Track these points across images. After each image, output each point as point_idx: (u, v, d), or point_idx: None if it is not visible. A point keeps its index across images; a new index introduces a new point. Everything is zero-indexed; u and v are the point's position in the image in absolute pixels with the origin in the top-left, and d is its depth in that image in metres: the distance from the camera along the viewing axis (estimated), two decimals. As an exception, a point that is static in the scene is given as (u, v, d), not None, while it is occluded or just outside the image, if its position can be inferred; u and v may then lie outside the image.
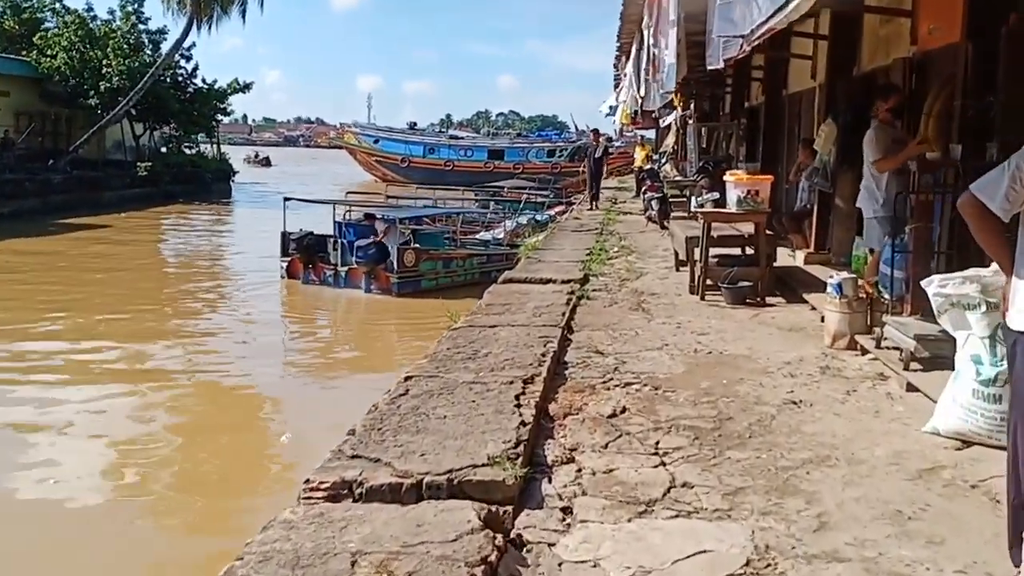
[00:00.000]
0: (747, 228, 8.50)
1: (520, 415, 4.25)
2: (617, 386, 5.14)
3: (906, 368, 5.03)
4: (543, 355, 5.47)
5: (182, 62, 40.22)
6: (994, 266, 3.99)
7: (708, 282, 8.12)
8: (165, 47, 38.50)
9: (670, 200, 15.07)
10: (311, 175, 59.41)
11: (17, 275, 18.62)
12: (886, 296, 5.99)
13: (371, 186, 40.48)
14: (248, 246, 24.47)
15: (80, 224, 27.28)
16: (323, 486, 3.46)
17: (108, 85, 35.33)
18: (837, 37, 9.54)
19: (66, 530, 7.02)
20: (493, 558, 2.85)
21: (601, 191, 20.63)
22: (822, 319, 6.93)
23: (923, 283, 4.17)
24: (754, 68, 14.94)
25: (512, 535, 3.16)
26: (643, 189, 16.79)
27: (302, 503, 3.41)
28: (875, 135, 7.21)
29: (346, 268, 17.35)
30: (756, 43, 5.60)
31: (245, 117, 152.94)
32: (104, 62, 35.58)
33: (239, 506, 7.58)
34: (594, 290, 8.48)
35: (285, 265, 18.12)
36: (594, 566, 2.96)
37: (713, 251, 8.35)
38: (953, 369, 4.88)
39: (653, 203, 14.86)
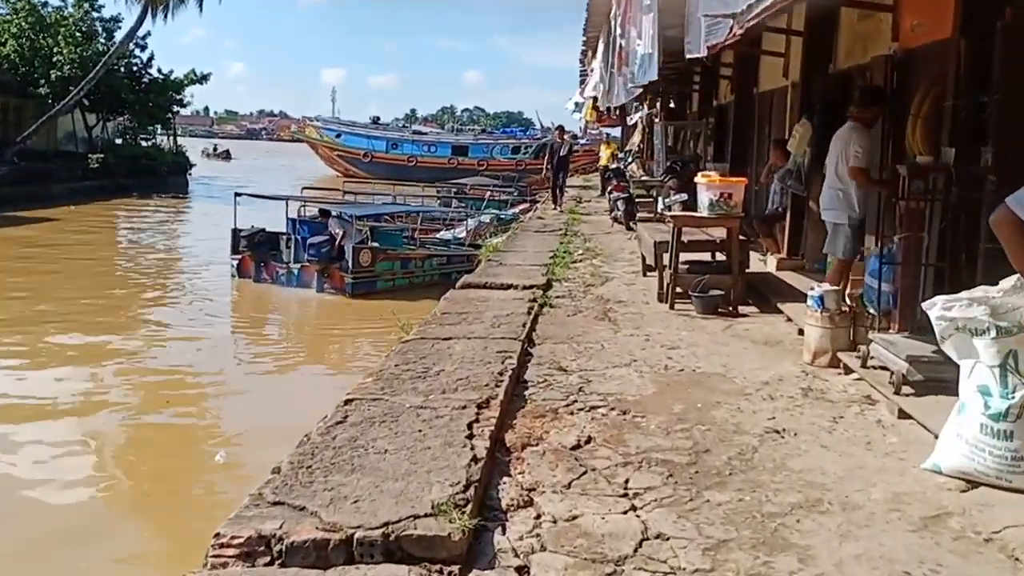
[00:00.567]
0: (719, 233, 8.06)
1: (472, 448, 3.74)
2: (582, 410, 4.66)
3: (897, 392, 4.59)
4: (501, 374, 4.97)
5: (137, 51, 39.44)
6: (1004, 284, 3.56)
7: (678, 290, 7.66)
8: (120, 35, 37.46)
9: (636, 200, 14.68)
10: (272, 169, 58.32)
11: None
12: (871, 310, 5.56)
13: (332, 181, 39.59)
14: (201, 242, 23.66)
15: (25, 218, 26.17)
16: (235, 542, 2.94)
17: (59, 74, 34.34)
18: (812, 33, 9.13)
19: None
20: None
21: (565, 190, 20.08)
22: (799, 332, 6.53)
23: (925, 305, 3.71)
24: (723, 65, 14.58)
25: (457, 607, 2.66)
26: (609, 189, 16.34)
27: (209, 565, 2.88)
28: (856, 136, 6.79)
29: (298, 266, 16.72)
30: (752, 23, 4.82)
31: (207, 109, 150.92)
32: (55, 50, 34.60)
33: (148, 551, 6.93)
34: (557, 297, 7.99)
35: (235, 263, 17.42)
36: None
37: (683, 256, 7.89)
38: (950, 394, 4.47)
39: (619, 203, 14.43)
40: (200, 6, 37.39)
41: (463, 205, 24.96)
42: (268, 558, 2.91)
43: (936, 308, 3.63)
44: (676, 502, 3.48)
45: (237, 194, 18.14)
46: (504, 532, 3.18)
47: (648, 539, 3.14)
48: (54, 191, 31.71)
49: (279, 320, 16.01)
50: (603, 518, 3.31)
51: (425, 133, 58.31)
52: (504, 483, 3.64)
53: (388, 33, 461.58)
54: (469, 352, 5.47)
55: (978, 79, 5.26)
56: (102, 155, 36.24)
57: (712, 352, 6.06)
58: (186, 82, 41.30)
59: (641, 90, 11.69)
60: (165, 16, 36.62)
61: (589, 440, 4.17)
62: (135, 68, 39.59)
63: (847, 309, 5.61)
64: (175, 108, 43.35)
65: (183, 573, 2.84)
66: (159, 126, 43.74)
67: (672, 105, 21.16)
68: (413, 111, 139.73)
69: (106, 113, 38.96)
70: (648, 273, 9.09)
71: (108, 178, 35.61)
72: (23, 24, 34.41)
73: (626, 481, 3.68)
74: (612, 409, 4.67)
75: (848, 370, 5.33)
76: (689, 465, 3.87)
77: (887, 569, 2.92)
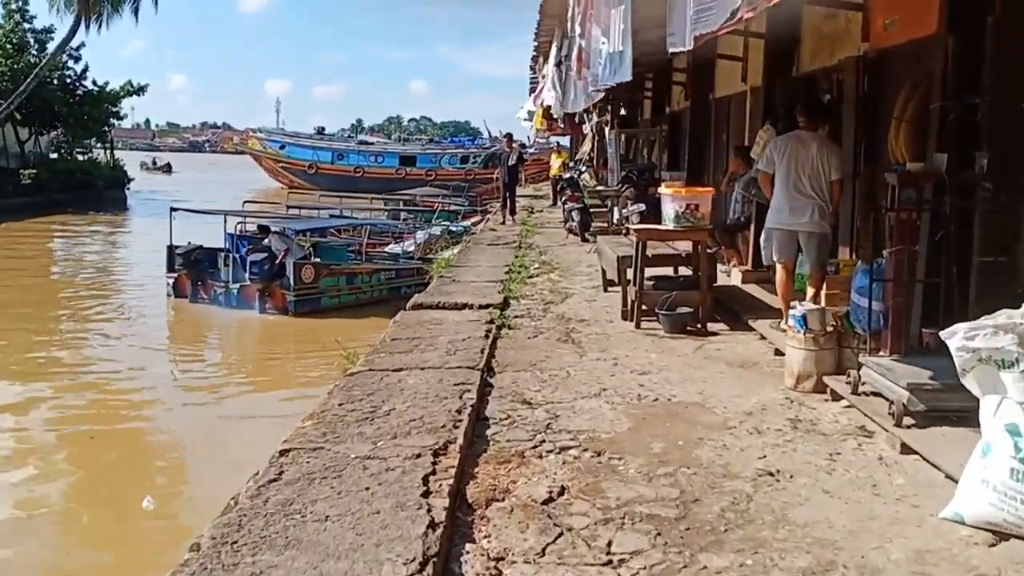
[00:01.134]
0: (685, 246, 7.62)
1: (429, 510, 3.21)
2: (551, 452, 4.14)
3: (898, 424, 4.15)
4: (459, 411, 4.43)
5: (70, 63, 38.11)
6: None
7: (643, 307, 7.19)
8: (52, 47, 36.12)
9: (591, 211, 14.25)
10: (214, 182, 56.80)
11: None
12: (859, 330, 5.14)
13: (276, 193, 38.63)
14: (138, 260, 22.67)
15: (-50, 237, 24.98)
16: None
17: (-11, 87, 32.92)
18: (774, 35, 8.76)
19: None
20: None
21: (516, 200, 19.28)
22: (776, 352, 6.11)
23: (943, 335, 3.26)
24: (676, 71, 14.26)
25: None
26: (563, 199, 15.88)
27: None
28: (828, 147, 6.42)
29: (238, 285, 15.92)
30: (764, 5, 4.06)
31: (148, 122, 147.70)
32: (-15, 62, 33.17)
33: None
34: (516, 316, 7.48)
35: (171, 282, 16.57)
36: None
37: (648, 272, 7.43)
38: (955, 425, 4.06)
39: (574, 214, 13.97)
40: (136, 16, 36.39)
41: (412, 217, 24.33)
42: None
43: (957, 338, 3.18)
44: (668, 570, 2.98)
45: (173, 209, 17.29)
46: (470, 621, 2.65)
47: (641, 624, 2.64)
48: (-17, 208, 30.38)
49: (217, 343, 15.21)
50: (586, 597, 2.79)
51: (372, 143, 57.35)
52: (467, 552, 3.11)
53: (333, 43, 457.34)
54: (423, 386, 4.93)
55: (968, 79, 4.87)
56: (35, 170, 34.97)
57: (686, 377, 5.59)
58: (122, 94, 40.13)
59: (603, 94, 11.12)
60: (99, 26, 35.54)
61: (562, 491, 3.65)
62: (69, 80, 38.32)
63: (831, 329, 5.18)
64: (112, 121, 42.04)
65: None
66: (95, 140, 42.32)
67: (623, 112, 20.78)
68: (359, 121, 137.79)
69: (39, 127, 37.66)
70: (610, 288, 8.62)
71: (41, 194, 34.31)
72: (-49, 35, 33.10)
73: (608, 544, 3.17)
74: (585, 450, 4.16)
75: (837, 396, 4.89)
76: (678, 520, 3.38)
77: (930, 658, 2.45)
